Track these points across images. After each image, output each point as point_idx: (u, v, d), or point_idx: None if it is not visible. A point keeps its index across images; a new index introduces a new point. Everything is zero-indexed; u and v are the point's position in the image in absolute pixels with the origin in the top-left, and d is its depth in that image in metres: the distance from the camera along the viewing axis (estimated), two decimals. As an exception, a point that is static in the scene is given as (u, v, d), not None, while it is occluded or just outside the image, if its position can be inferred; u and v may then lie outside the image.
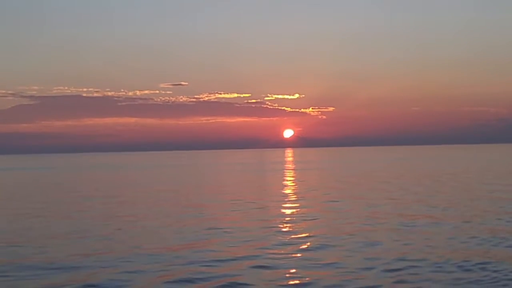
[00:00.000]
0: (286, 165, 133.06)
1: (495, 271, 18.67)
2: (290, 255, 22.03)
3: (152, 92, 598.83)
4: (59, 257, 22.31)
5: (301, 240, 25.32)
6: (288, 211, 36.82)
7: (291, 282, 18.00)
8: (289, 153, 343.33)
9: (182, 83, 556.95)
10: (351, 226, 29.32)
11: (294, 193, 51.18)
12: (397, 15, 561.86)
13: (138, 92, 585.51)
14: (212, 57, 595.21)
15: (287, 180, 71.85)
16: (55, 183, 78.25)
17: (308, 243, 24.53)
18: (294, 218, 33.12)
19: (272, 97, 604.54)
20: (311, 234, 26.85)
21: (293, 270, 19.67)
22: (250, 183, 68.31)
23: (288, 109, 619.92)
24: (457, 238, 24.88)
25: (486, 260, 20.23)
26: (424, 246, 23.13)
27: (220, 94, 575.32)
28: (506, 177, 67.47)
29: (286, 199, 45.43)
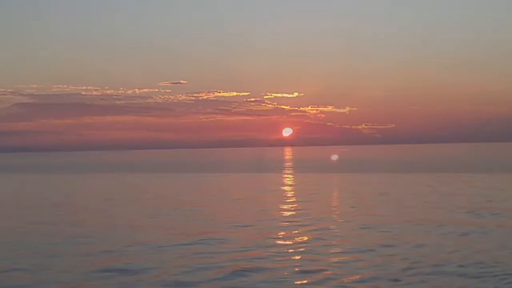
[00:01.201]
0: (286, 164, 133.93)
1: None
2: (295, 248, 23.40)
3: (151, 90, 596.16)
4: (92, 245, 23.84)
5: (304, 235, 26.64)
6: (291, 207, 37.93)
7: (298, 270, 19.30)
8: (288, 152, 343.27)
9: (181, 81, 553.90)
10: (354, 219, 30.72)
11: (296, 190, 52.37)
12: (397, 14, 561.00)
13: (137, 91, 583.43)
14: (211, 56, 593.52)
15: (288, 178, 72.92)
16: (61, 183, 79.39)
17: (311, 236, 25.89)
18: (296, 213, 34.32)
19: (271, 95, 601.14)
20: (314, 228, 28.17)
21: (298, 257, 21.14)
22: (252, 182, 69.48)
23: (288, 107, 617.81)
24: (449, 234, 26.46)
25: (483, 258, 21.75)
26: (422, 243, 24.55)
27: (220, 92, 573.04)
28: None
29: (288, 196, 46.63)
